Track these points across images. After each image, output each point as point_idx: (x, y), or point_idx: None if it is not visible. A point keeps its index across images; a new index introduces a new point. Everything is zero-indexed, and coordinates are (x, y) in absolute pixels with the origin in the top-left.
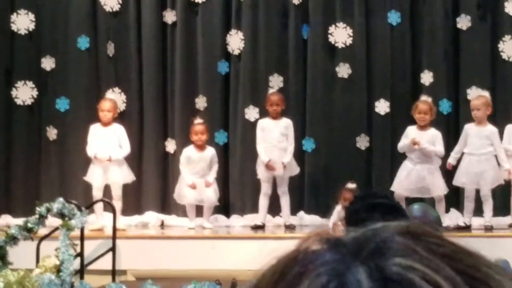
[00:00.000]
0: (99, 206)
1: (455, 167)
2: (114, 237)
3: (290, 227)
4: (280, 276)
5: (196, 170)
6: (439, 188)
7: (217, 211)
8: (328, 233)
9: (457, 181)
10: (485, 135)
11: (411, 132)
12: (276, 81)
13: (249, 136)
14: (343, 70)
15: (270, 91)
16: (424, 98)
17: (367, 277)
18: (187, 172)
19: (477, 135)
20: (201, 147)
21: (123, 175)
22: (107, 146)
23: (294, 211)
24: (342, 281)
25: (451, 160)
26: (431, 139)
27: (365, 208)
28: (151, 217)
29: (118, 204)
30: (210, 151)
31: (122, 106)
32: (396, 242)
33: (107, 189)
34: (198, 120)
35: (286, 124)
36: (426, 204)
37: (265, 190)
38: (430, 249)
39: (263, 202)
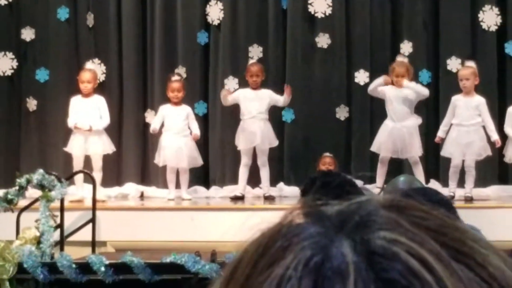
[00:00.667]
0: (79, 177)
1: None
2: (94, 209)
3: (269, 198)
4: (263, 250)
5: (174, 130)
6: (414, 149)
7: (196, 182)
8: (311, 206)
9: (445, 151)
10: (473, 105)
11: (387, 90)
12: (255, 52)
13: (229, 107)
14: (323, 40)
15: (250, 61)
16: (401, 58)
17: (352, 250)
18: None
19: (465, 106)
20: (177, 104)
21: (104, 146)
22: (88, 117)
23: (273, 182)
24: (326, 255)
25: (441, 133)
26: (409, 92)
27: (319, 187)
28: (131, 188)
29: (98, 175)
30: (186, 109)
31: (101, 77)
32: (381, 215)
33: (87, 161)
34: (175, 77)
35: (266, 95)
36: (412, 176)
37: (245, 161)
38: (415, 222)
39: (243, 173)
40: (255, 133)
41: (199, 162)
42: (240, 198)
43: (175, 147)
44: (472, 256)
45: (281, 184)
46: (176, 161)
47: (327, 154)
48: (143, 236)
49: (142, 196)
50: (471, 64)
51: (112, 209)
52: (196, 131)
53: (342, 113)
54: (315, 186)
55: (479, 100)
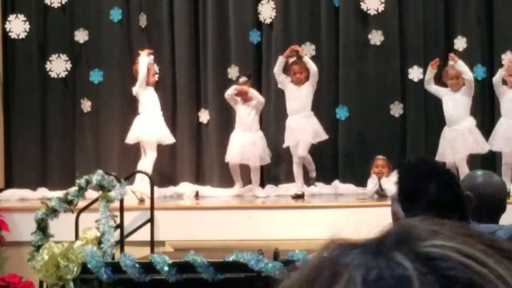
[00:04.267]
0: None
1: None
2: (152, 208)
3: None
4: (311, 284)
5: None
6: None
7: (250, 181)
8: (344, 239)
9: (495, 146)
10: None
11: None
12: (308, 50)
13: (282, 105)
14: (376, 37)
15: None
16: (452, 63)
17: (406, 259)
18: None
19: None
20: (246, 101)
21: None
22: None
23: (328, 180)
24: (382, 268)
25: None
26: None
27: (422, 174)
28: (186, 188)
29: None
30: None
31: (155, 77)
32: (419, 228)
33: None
34: (242, 79)
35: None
36: (489, 171)
37: (295, 158)
38: (453, 230)
39: (297, 170)
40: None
41: (268, 160)
42: (301, 196)
43: (246, 143)
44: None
45: (336, 182)
46: (243, 158)
47: (380, 156)
48: (201, 235)
49: (197, 195)
50: None
51: (170, 208)
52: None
53: (396, 109)
54: (416, 173)
55: None
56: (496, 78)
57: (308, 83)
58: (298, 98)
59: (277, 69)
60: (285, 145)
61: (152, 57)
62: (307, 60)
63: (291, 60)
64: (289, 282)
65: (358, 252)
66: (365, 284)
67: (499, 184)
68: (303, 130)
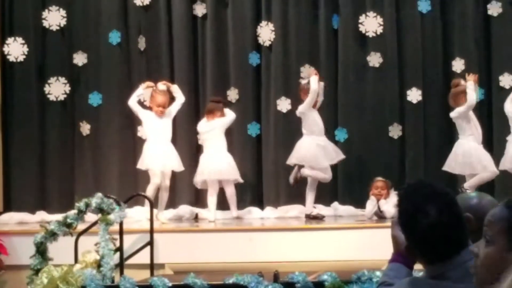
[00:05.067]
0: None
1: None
2: (151, 231)
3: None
4: None
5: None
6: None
7: (250, 203)
8: None
9: (503, 165)
10: None
11: None
12: (307, 72)
13: (282, 127)
14: (375, 59)
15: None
16: (457, 81)
17: None
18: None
19: None
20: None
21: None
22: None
23: (328, 201)
24: None
25: None
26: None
27: (422, 197)
28: (185, 210)
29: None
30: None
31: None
32: None
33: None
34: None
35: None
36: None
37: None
38: None
39: (308, 192)
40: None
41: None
42: (319, 218)
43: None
44: None
45: (335, 204)
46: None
47: (380, 178)
48: (201, 257)
49: (196, 218)
50: None
51: (170, 231)
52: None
53: (395, 131)
54: (416, 195)
55: None
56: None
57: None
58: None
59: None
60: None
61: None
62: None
63: (303, 82)
64: None
65: None
66: None
67: (494, 205)
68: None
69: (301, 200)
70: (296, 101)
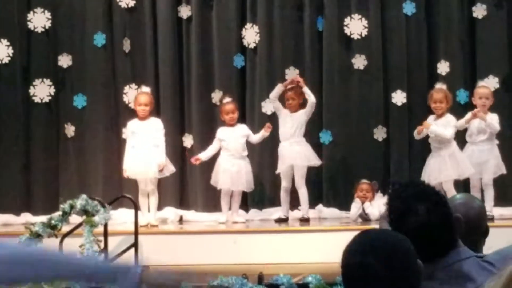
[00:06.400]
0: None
1: None
2: (136, 233)
3: (304, 220)
4: None
5: (231, 151)
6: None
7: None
8: None
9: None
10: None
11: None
12: (292, 74)
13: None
14: (359, 62)
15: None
16: (439, 85)
17: None
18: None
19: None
20: (232, 126)
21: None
22: (146, 140)
23: (312, 204)
24: None
25: None
26: (446, 124)
27: (412, 196)
28: (170, 212)
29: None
30: (243, 128)
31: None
32: None
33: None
34: (226, 99)
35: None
36: (469, 194)
37: (284, 184)
38: None
39: (284, 196)
40: (289, 156)
41: (252, 186)
42: (284, 220)
43: (234, 170)
44: None
45: (320, 206)
46: (234, 184)
47: (365, 180)
48: (186, 260)
49: (181, 220)
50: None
51: (154, 233)
52: (256, 138)
53: (380, 134)
54: (406, 193)
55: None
56: None
57: (303, 111)
58: (290, 124)
59: (273, 95)
60: (277, 172)
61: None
62: (307, 91)
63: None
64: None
65: None
66: None
67: (480, 207)
68: (295, 156)
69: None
70: (281, 102)
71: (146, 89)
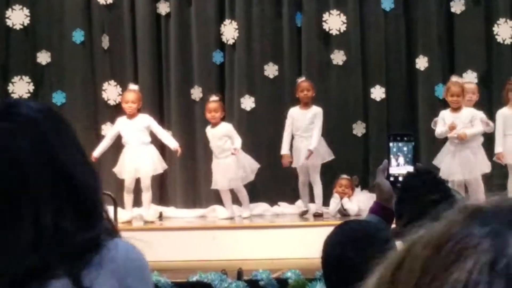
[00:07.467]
0: (127, 200)
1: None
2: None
3: (318, 215)
4: (433, 252)
5: (216, 151)
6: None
7: (215, 201)
8: (472, 205)
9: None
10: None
11: (446, 116)
12: (271, 70)
13: (246, 125)
14: (338, 57)
15: (299, 79)
16: (455, 79)
17: None
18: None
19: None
20: (215, 125)
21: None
22: (135, 137)
23: (291, 200)
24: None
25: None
26: (467, 121)
27: (425, 185)
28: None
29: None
30: (225, 127)
31: (118, 99)
32: None
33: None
34: (212, 98)
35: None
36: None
37: (301, 178)
38: None
39: (302, 189)
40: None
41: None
42: (305, 213)
43: (222, 168)
44: None
45: (299, 202)
46: (229, 183)
47: (344, 176)
48: (165, 256)
49: (160, 217)
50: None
51: (134, 229)
52: (237, 145)
53: (359, 129)
54: (420, 182)
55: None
56: None
57: (317, 109)
58: (302, 119)
59: None
60: (293, 166)
61: None
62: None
63: (300, 79)
64: (411, 241)
65: (490, 226)
66: (492, 272)
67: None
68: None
69: (265, 198)
70: (261, 98)
71: (133, 86)
